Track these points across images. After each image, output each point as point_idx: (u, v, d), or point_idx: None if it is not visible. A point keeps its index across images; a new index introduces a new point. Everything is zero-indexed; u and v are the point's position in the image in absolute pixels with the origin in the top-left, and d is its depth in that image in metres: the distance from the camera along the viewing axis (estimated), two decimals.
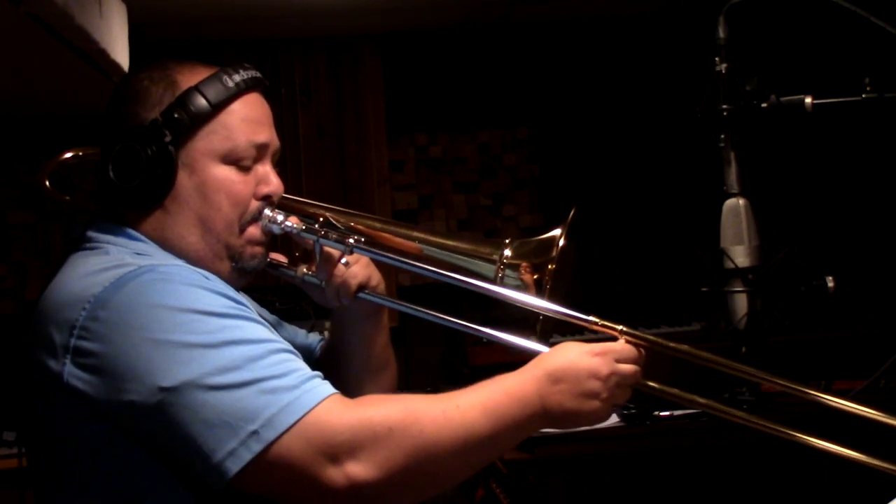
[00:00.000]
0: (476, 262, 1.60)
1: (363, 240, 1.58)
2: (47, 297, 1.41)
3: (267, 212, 1.53)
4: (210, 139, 1.47)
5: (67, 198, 1.81)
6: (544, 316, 1.54)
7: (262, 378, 1.31)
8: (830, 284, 2.12)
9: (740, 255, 2.21)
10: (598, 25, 4.56)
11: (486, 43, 4.58)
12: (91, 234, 1.47)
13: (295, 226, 1.56)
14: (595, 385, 1.43)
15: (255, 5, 3.90)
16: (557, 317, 1.53)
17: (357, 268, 1.61)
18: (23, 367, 1.42)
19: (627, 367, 1.47)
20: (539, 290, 1.55)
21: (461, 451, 1.35)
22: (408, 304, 1.60)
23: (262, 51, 4.43)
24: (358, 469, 1.30)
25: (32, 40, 2.45)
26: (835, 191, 4.39)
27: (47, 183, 1.75)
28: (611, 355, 1.46)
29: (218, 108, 1.47)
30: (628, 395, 1.48)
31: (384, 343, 1.71)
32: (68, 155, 1.76)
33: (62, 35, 2.45)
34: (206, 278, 1.41)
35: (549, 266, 1.54)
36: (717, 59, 2.24)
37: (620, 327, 1.51)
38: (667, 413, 2.14)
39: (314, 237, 1.57)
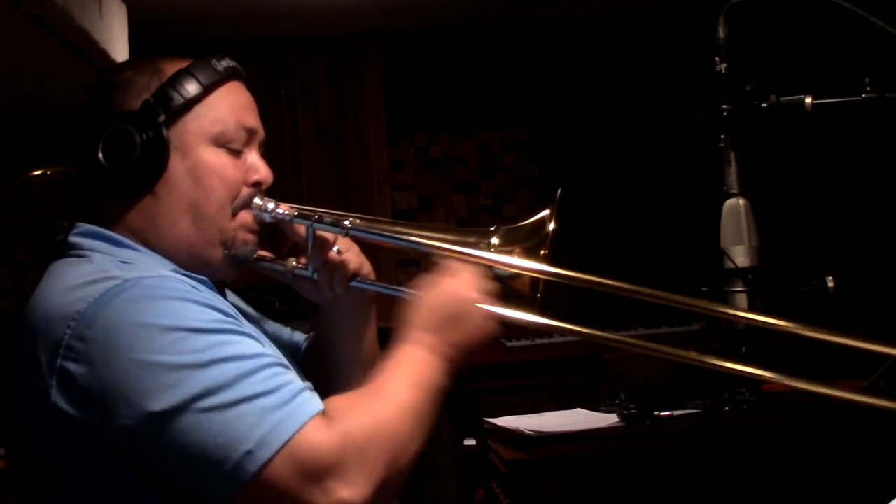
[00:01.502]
0: None
1: (358, 221, 1.56)
2: (32, 309, 1.37)
3: (257, 200, 1.51)
4: (201, 121, 1.46)
5: (34, 210, 1.77)
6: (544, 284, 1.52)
7: (253, 395, 1.28)
8: (830, 284, 2.12)
9: (740, 255, 2.21)
10: (598, 25, 4.56)
11: (485, 43, 4.58)
12: (74, 240, 1.43)
13: (287, 212, 1.53)
14: (462, 307, 1.44)
15: (255, 5, 3.90)
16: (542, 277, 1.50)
17: (350, 255, 1.59)
18: (7, 380, 1.38)
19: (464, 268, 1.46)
20: (533, 283, 1.52)
21: (419, 436, 1.36)
22: (398, 288, 1.57)
23: (262, 51, 4.43)
24: (346, 492, 1.28)
25: (32, 40, 2.45)
26: (835, 191, 4.39)
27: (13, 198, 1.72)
28: (447, 273, 1.46)
29: (208, 89, 1.46)
30: (494, 286, 1.47)
31: (372, 338, 1.69)
32: (36, 173, 1.72)
33: (62, 35, 2.45)
34: (195, 289, 1.37)
35: (542, 251, 1.52)
36: (717, 59, 2.24)
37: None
38: (667, 413, 2.14)
39: (308, 222, 1.54)
